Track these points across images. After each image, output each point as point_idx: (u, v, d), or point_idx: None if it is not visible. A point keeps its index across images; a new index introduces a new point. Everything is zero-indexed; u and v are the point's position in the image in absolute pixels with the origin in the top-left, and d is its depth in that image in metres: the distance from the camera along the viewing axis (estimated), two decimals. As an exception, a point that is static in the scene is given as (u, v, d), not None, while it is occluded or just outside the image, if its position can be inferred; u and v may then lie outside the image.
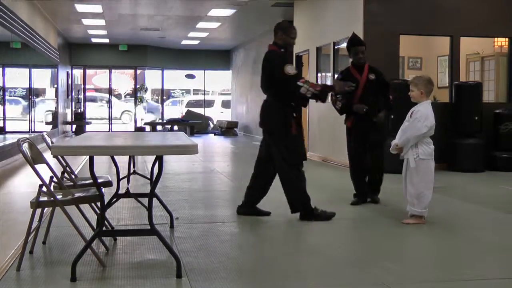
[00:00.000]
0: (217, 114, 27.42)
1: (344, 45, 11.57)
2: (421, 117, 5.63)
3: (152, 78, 27.61)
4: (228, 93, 28.43)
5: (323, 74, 13.02)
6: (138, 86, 25.25)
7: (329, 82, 12.21)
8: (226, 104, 27.96)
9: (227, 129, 23.07)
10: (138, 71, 25.83)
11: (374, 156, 7.01)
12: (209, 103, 28.11)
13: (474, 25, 10.99)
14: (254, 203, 6.23)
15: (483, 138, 10.53)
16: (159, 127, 22.97)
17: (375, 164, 7.03)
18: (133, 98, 25.26)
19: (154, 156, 4.35)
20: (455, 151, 10.41)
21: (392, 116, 9.47)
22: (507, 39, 11.47)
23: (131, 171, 5.50)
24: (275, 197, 6.43)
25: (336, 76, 6.78)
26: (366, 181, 7.03)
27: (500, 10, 11.11)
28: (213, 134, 23.61)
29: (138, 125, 24.21)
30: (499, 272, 4.36)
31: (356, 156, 7.00)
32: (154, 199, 4.87)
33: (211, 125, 25.64)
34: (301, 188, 5.94)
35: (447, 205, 6.99)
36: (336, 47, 11.83)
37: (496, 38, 12.13)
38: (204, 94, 28.13)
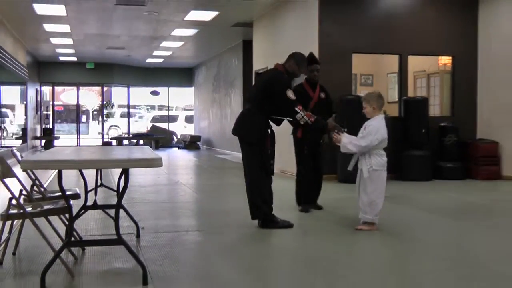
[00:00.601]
0: (180, 128, 27.32)
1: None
2: (372, 131, 5.70)
3: (118, 94, 27.41)
4: (191, 108, 28.37)
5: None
6: (105, 102, 25.01)
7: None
8: (189, 119, 27.89)
9: (190, 143, 23.00)
10: (105, 88, 25.60)
11: (318, 165, 7.18)
12: (173, 118, 28.02)
13: (421, 44, 11.22)
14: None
15: (429, 150, 10.71)
16: (125, 142, 22.76)
17: (320, 172, 7.24)
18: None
19: (121, 169, 4.32)
20: (404, 162, 10.57)
21: (346, 130, 9.57)
22: (450, 57, 11.72)
23: (99, 183, 5.45)
24: (237, 205, 6.43)
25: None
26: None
27: (445, 31, 11.37)
28: (177, 148, 23.50)
29: (106, 140, 23.94)
30: (445, 274, 4.43)
31: (309, 165, 7.07)
32: (121, 210, 4.84)
33: (175, 139, 25.51)
34: (263, 196, 5.94)
35: (397, 213, 7.08)
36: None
37: (440, 57, 12.37)
38: (168, 109, 28.02)
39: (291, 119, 6.03)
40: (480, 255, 4.99)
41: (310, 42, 10.87)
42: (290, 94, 5.87)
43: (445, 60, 12.34)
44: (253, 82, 14.75)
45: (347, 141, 5.80)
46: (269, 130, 6.00)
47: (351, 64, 10.80)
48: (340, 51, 10.68)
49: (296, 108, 5.87)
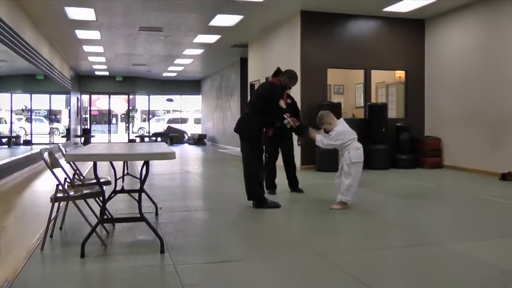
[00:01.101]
0: (190, 128, 27.27)
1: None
2: (336, 135, 5.73)
3: (141, 101, 27.29)
4: (199, 112, 28.33)
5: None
6: (130, 107, 24.90)
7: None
8: (197, 121, 27.85)
9: (198, 140, 22.96)
10: (131, 96, 25.51)
11: (291, 158, 7.17)
12: (184, 120, 27.95)
13: (381, 60, 11.23)
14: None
15: (388, 144, 10.73)
16: (146, 139, 22.74)
17: (292, 164, 7.19)
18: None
19: (143, 161, 4.33)
20: (369, 154, 10.54)
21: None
22: (404, 71, 11.74)
23: (125, 172, 5.45)
24: (235, 190, 6.41)
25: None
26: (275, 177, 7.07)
27: (400, 49, 11.38)
28: (187, 144, 23.45)
29: (131, 137, 23.89)
30: (400, 242, 4.47)
31: (274, 158, 7.07)
32: (143, 194, 4.85)
33: (186, 137, 25.49)
34: (259, 181, 5.95)
35: (364, 195, 7.12)
36: (279, 77, 11.88)
37: (396, 71, 12.40)
38: (181, 113, 27.95)
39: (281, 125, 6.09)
40: (425, 225, 5.04)
41: (293, 59, 10.87)
42: (282, 104, 5.91)
43: (400, 73, 12.37)
44: (250, 92, 14.74)
45: (318, 138, 5.84)
46: (264, 130, 6.03)
47: (326, 77, 10.80)
48: (317, 66, 10.68)
49: (284, 115, 5.90)
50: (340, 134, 5.72)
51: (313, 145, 10.13)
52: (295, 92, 10.67)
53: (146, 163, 4.17)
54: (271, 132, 7.00)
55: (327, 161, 9.79)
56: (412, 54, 11.49)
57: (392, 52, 11.33)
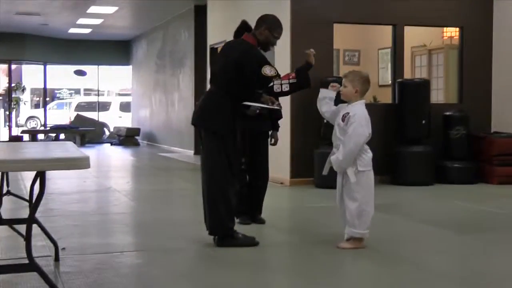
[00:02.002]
0: (114, 119, 27.15)
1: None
2: (361, 120, 5.73)
3: (32, 74, 27.07)
4: (127, 93, 28.20)
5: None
6: (13, 85, 24.66)
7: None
8: (125, 107, 27.74)
9: (127, 138, 22.87)
10: (13, 66, 25.25)
11: (263, 166, 7.16)
12: (104, 106, 27.82)
13: (420, 12, 11.33)
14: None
15: (432, 146, 10.84)
16: (40, 136, 22.52)
17: (263, 176, 7.19)
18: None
19: (34, 172, 4.28)
20: (400, 161, 10.67)
21: (326, 121, 9.64)
22: (458, 29, 11.87)
23: (4, 191, 5.39)
24: (187, 216, 6.42)
25: None
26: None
27: (449, -5, 11.52)
28: (109, 144, 23.33)
29: (14, 134, 23.65)
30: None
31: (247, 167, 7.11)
32: (35, 226, 4.78)
33: (107, 133, 25.32)
34: (227, 206, 5.94)
35: (390, 226, 7.16)
36: (258, 37, 11.91)
37: (445, 28, 12.52)
38: (98, 95, 27.79)
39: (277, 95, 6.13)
40: (494, 280, 5.09)
41: (280, 9, 10.88)
42: (267, 70, 5.89)
43: (451, 33, 12.51)
44: (210, 60, 14.74)
45: (337, 157, 5.75)
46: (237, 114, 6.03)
47: (332, 37, 10.86)
48: (318, 21, 10.73)
49: (270, 85, 5.90)
50: (366, 120, 5.74)
51: (310, 145, 10.22)
52: (281, 62, 10.69)
53: (41, 176, 4.13)
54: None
55: (332, 171, 9.79)
56: (472, 1, 11.63)
57: (437, -2, 11.46)
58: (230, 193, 5.96)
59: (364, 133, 5.71)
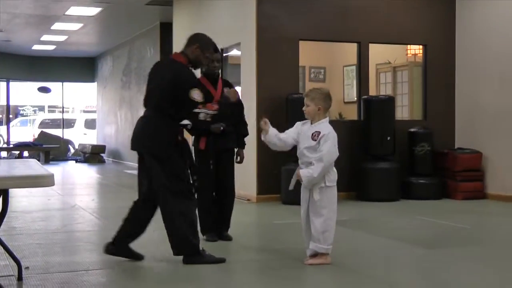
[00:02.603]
0: (79, 136, 26.96)
1: (235, 52, 11.80)
2: (334, 139, 5.77)
3: (-5, 92, 26.81)
4: (93, 110, 28.04)
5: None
6: (-24, 101, 24.41)
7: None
8: (90, 124, 27.55)
9: (92, 155, 22.73)
10: (-23, 83, 25.01)
11: (228, 184, 7.16)
12: (68, 123, 27.62)
13: (385, 30, 11.46)
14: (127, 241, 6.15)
15: (397, 162, 10.92)
16: (3, 154, 22.28)
17: (230, 194, 7.18)
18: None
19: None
20: (365, 177, 10.73)
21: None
22: (421, 46, 12.01)
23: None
24: (154, 235, 6.37)
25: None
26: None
27: (414, 13, 11.64)
28: (74, 161, 23.17)
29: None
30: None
31: (209, 183, 7.02)
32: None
33: (72, 150, 25.13)
34: (187, 225, 5.91)
35: (356, 241, 7.19)
36: (224, 54, 11.95)
37: (409, 46, 12.65)
38: (63, 111, 27.60)
39: (191, 125, 6.15)
40: (459, 294, 5.14)
41: (245, 25, 10.94)
42: (196, 95, 5.87)
43: (415, 50, 12.63)
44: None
45: (305, 174, 5.76)
46: (180, 139, 6.00)
47: (297, 54, 10.91)
48: (284, 37, 10.78)
49: (196, 110, 5.91)
50: (335, 139, 5.78)
51: (276, 162, 10.26)
52: (247, 78, 10.72)
53: (3, 194, 4.09)
54: (203, 144, 6.97)
55: (299, 187, 9.81)
56: (435, 18, 11.80)
57: (402, 16, 11.59)
58: (189, 211, 5.93)
59: (336, 151, 5.77)
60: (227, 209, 7.18)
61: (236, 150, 7.22)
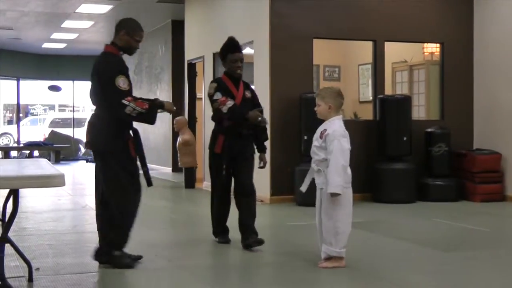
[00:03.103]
0: (89, 136, 26.97)
1: (248, 50, 11.80)
2: (341, 137, 5.75)
3: (4, 90, 26.91)
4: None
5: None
6: (-14, 100, 24.51)
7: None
8: (101, 124, 27.56)
9: (103, 155, 22.73)
10: (-14, 82, 25.11)
11: (250, 189, 6.93)
12: (79, 122, 27.66)
13: (401, 28, 11.42)
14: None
15: (413, 163, 10.89)
16: (14, 153, 22.36)
17: (252, 201, 6.92)
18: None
19: (7, 191, 4.26)
20: (381, 178, 10.70)
21: (306, 137, 9.67)
22: (439, 45, 11.98)
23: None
24: (164, 235, 6.37)
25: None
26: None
27: (431, 11, 11.60)
28: (85, 161, 23.22)
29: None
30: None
31: (226, 186, 6.95)
32: (7, 246, 4.76)
33: (82, 150, 25.18)
34: (124, 228, 5.92)
35: (371, 244, 7.18)
36: (237, 53, 11.94)
37: (426, 44, 12.61)
38: (73, 110, 27.67)
39: (117, 115, 5.89)
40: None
41: (258, 23, 10.94)
42: (121, 82, 5.82)
43: (432, 48, 12.59)
44: (188, 75, 14.74)
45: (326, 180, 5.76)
46: (131, 132, 5.98)
47: (311, 53, 10.91)
48: (297, 36, 10.77)
49: (124, 101, 5.77)
50: (346, 135, 5.77)
51: (290, 162, 10.25)
52: (260, 76, 10.72)
53: (14, 194, 4.11)
54: (219, 147, 6.85)
55: (312, 188, 9.78)
56: (453, 15, 11.76)
57: (419, 14, 11.56)
58: (129, 211, 5.92)
59: (347, 146, 5.74)
60: (248, 210, 6.87)
61: (255, 155, 7.08)
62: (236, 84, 7.00)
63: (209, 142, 7.04)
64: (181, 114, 14.82)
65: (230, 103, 6.59)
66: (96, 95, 5.98)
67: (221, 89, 6.83)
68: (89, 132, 6.04)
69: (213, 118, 7.06)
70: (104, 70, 5.90)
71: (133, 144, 5.96)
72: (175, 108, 6.28)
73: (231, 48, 7.10)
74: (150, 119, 5.97)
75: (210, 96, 6.82)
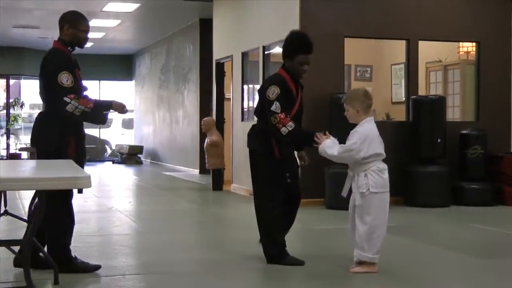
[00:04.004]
0: (116, 136, 27.18)
1: (277, 50, 11.78)
2: (357, 140, 5.74)
3: (31, 90, 27.05)
4: (130, 110, 28.22)
5: (251, 85, 13.14)
6: (11, 100, 24.69)
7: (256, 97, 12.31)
8: (127, 124, 27.75)
9: (129, 156, 22.90)
10: (12, 81, 25.30)
11: (297, 192, 6.61)
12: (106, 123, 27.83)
13: (435, 26, 11.36)
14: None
15: (447, 165, 10.83)
16: (40, 154, 22.48)
17: (299, 200, 6.66)
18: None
19: (33, 192, 4.29)
20: (414, 181, 10.65)
21: (336, 138, 9.63)
22: (474, 43, 11.89)
23: (2, 211, 5.40)
24: (192, 238, 6.37)
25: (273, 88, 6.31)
26: None
27: (467, 9, 11.52)
28: (111, 162, 23.37)
29: (13, 151, 23.69)
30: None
31: (289, 192, 6.47)
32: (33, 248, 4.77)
33: (109, 151, 25.36)
34: (61, 232, 5.83)
35: (405, 249, 7.14)
36: (266, 52, 11.97)
37: (461, 43, 12.53)
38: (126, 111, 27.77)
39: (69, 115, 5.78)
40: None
41: (288, 22, 10.91)
42: (64, 79, 5.76)
43: (467, 48, 12.51)
44: (216, 74, 14.78)
45: (326, 144, 5.88)
46: (75, 133, 5.95)
47: (343, 52, 10.90)
48: (328, 35, 10.74)
49: (65, 98, 5.69)
50: (364, 140, 5.75)
51: (319, 164, 10.24)
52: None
53: (40, 196, 4.13)
54: (277, 151, 6.30)
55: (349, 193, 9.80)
56: (489, 14, 11.68)
57: (454, 12, 11.48)
58: (56, 214, 5.70)
59: (359, 149, 5.71)
60: (294, 214, 6.64)
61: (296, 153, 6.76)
62: (297, 86, 6.49)
63: (255, 143, 6.47)
64: (209, 115, 14.86)
65: (290, 125, 6.03)
66: (41, 93, 5.97)
67: (283, 94, 6.21)
68: (32, 129, 6.01)
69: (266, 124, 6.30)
70: (48, 67, 5.87)
71: (74, 146, 5.90)
72: (126, 108, 6.08)
73: (305, 48, 6.54)
74: (97, 119, 5.97)
75: (269, 103, 6.16)
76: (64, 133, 5.84)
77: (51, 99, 5.83)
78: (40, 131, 5.92)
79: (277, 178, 6.33)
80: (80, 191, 5.83)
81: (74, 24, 6.04)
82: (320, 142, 5.94)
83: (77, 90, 5.85)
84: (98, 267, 5.95)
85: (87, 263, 5.96)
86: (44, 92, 5.91)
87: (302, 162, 6.67)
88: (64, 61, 5.90)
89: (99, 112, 5.91)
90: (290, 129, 6.06)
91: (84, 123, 6.15)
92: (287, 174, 6.42)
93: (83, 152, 6.05)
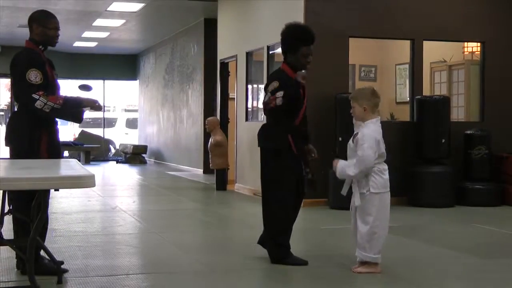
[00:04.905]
0: (120, 136, 27.19)
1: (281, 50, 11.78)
2: (370, 142, 5.73)
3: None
4: (134, 109, 28.25)
5: (255, 85, 13.15)
6: (16, 99, 24.71)
7: (261, 95, 12.32)
8: (131, 124, 27.76)
9: (133, 155, 22.90)
10: (17, 81, 25.31)
11: (303, 189, 6.63)
12: (109, 122, 27.87)
13: (440, 26, 11.34)
14: None
15: (452, 166, 10.82)
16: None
17: (302, 198, 6.71)
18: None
19: (36, 191, 4.30)
20: (418, 181, 10.64)
21: (340, 139, 9.66)
22: (479, 43, 11.88)
23: (5, 211, 5.41)
24: (195, 239, 6.38)
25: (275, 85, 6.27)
26: None
27: (472, 9, 11.50)
28: (115, 162, 23.38)
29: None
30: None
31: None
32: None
33: (113, 150, 25.38)
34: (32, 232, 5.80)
35: (408, 249, 7.14)
36: (270, 52, 11.97)
37: (466, 43, 12.52)
38: (104, 110, 27.82)
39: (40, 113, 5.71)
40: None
41: (293, 21, 10.91)
42: (32, 76, 5.74)
43: (472, 48, 12.50)
44: (219, 74, 14.78)
45: (340, 166, 5.84)
46: (46, 128, 5.88)
47: (347, 52, 10.89)
48: (333, 34, 10.74)
49: (34, 95, 5.66)
50: (374, 142, 5.73)
51: (324, 164, 10.23)
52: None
53: (43, 195, 4.15)
54: (293, 147, 6.27)
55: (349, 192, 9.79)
56: (494, 14, 11.66)
57: (459, 12, 11.47)
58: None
59: (372, 155, 5.69)
60: (298, 208, 6.66)
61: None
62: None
63: (270, 140, 6.38)
64: (213, 115, 14.86)
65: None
66: (12, 91, 5.99)
67: (285, 89, 6.21)
68: (6, 129, 6.02)
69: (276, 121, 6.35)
70: (17, 65, 5.88)
71: (46, 141, 5.85)
72: (98, 104, 6.02)
73: (307, 40, 6.48)
74: (70, 116, 5.96)
75: (272, 91, 6.20)
76: (34, 128, 5.79)
77: (20, 97, 5.85)
78: (12, 130, 5.91)
79: (291, 174, 6.30)
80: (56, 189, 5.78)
81: (42, 23, 6.05)
82: (335, 165, 5.89)
83: (48, 87, 5.81)
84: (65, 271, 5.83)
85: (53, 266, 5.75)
86: (14, 90, 5.92)
87: (312, 154, 6.51)
88: (32, 59, 5.90)
89: (70, 109, 5.87)
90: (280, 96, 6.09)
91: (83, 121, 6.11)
92: (307, 169, 6.39)
93: (58, 147, 6.02)
